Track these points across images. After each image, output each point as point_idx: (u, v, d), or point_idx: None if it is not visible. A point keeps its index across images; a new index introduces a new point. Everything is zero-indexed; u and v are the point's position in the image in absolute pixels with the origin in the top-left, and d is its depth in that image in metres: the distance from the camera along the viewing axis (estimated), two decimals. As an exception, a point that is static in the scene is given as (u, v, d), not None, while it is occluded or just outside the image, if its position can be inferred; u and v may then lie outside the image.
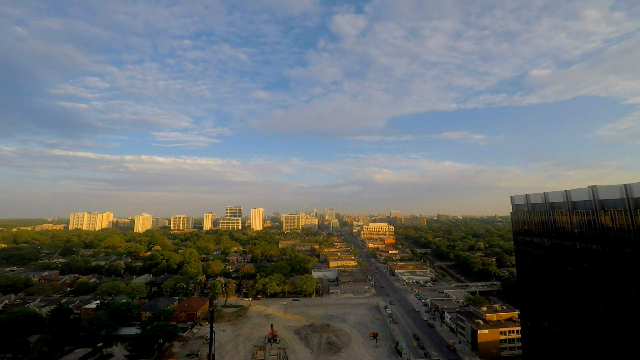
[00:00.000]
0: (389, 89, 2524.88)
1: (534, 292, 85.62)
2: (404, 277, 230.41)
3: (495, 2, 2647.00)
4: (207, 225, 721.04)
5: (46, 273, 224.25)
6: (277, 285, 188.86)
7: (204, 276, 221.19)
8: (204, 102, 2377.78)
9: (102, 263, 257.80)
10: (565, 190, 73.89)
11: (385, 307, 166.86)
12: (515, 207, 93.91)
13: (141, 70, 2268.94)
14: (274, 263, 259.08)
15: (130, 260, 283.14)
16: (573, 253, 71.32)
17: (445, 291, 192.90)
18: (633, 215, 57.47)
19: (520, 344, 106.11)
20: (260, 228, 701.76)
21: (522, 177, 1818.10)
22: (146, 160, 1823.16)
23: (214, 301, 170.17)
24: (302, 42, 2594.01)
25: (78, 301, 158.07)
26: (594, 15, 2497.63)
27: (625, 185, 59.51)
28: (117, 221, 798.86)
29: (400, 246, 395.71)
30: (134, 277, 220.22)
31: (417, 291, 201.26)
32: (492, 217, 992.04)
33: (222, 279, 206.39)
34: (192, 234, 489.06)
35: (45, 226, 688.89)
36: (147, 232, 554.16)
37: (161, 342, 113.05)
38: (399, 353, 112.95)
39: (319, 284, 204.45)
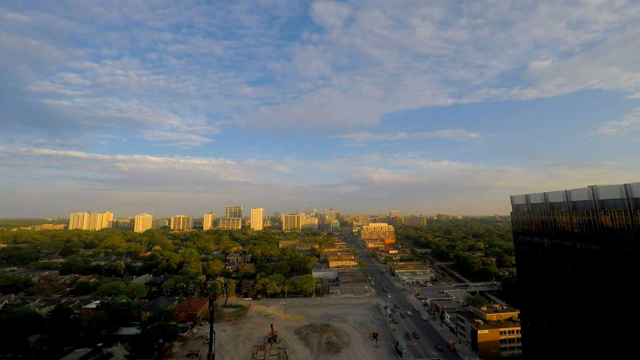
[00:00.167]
0: (380, 84, 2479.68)
1: (534, 292, 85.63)
2: (404, 277, 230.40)
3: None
4: (207, 225, 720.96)
5: (46, 273, 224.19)
6: (277, 285, 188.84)
7: (204, 276, 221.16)
8: (190, 98, 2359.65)
9: (102, 263, 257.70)
10: (565, 190, 73.91)
11: (385, 307, 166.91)
12: (515, 207, 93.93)
13: (121, 65, 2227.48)
14: (274, 263, 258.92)
15: (130, 260, 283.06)
16: (573, 253, 71.32)
17: (445, 291, 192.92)
18: (633, 215, 57.49)
19: (520, 344, 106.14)
20: (260, 228, 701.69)
21: (522, 176, 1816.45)
22: (139, 160, 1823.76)
23: (214, 301, 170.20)
24: (286, 35, 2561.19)
25: (78, 301, 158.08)
26: (595, 1, 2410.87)
27: (625, 185, 59.53)
28: (117, 221, 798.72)
29: (400, 246, 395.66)
30: (134, 277, 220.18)
31: (417, 291, 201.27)
32: (492, 217, 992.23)
33: (222, 279, 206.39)
34: (192, 234, 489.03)
35: (45, 226, 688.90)
36: (147, 232, 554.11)
37: (161, 342, 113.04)
38: (399, 353, 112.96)
39: (319, 284, 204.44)
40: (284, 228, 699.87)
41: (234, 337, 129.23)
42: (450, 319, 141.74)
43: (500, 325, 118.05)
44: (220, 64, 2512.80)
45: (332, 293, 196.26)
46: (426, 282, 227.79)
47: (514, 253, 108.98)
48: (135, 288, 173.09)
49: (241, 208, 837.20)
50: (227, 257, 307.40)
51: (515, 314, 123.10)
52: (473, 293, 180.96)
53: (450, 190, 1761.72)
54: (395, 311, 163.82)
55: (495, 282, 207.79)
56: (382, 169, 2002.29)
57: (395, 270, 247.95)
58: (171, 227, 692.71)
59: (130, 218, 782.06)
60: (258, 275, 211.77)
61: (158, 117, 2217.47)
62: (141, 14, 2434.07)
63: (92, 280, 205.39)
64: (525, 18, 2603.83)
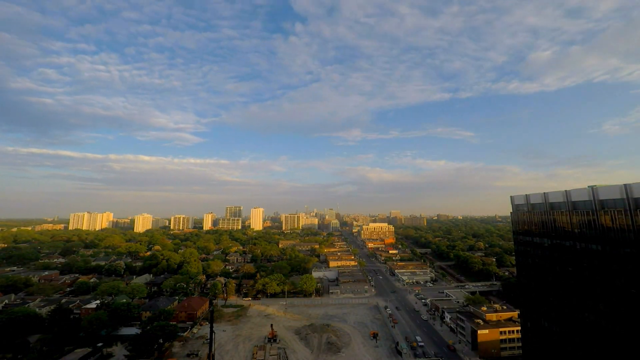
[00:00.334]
0: (371, 78, 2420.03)
1: (534, 292, 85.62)
2: (404, 277, 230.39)
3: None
4: (207, 225, 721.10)
5: (46, 273, 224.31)
6: (277, 285, 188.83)
7: (204, 276, 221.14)
8: (176, 94, 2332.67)
9: (102, 263, 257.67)
10: (565, 190, 73.93)
11: (385, 307, 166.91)
12: (515, 207, 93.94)
13: (100, 60, 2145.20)
14: (274, 263, 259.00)
15: (130, 260, 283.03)
16: (573, 253, 71.32)
17: (445, 291, 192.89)
18: (633, 215, 57.47)
19: (520, 344, 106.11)
20: (260, 228, 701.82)
21: (521, 176, 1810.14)
22: (132, 160, 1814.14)
23: (214, 301, 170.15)
24: (269, 27, 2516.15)
25: (78, 301, 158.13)
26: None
27: (625, 185, 59.53)
28: (117, 221, 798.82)
29: (400, 246, 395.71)
30: (134, 277, 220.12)
31: (417, 291, 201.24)
32: (492, 217, 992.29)
33: (222, 279, 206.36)
34: (192, 234, 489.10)
35: (45, 226, 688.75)
36: (147, 232, 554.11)
37: (161, 342, 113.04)
38: (399, 353, 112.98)
39: (319, 284, 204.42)
40: (284, 228, 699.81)
41: (234, 337, 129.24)
42: (450, 319, 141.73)
43: (500, 325, 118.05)
44: (203, 58, 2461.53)
45: (332, 293, 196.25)
46: (426, 282, 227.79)
47: (514, 253, 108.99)
48: (135, 288, 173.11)
49: (241, 208, 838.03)
50: (227, 257, 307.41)
51: (515, 314, 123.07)
52: (473, 293, 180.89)
53: (449, 189, 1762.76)
54: (395, 311, 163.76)
55: (495, 282, 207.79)
56: (378, 169, 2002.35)
57: (395, 270, 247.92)
58: (171, 227, 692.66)
59: (130, 218, 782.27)
60: (258, 275, 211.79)
61: (145, 116, 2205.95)
62: (114, 4, 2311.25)
63: (92, 280, 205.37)
64: (520, 5, 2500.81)
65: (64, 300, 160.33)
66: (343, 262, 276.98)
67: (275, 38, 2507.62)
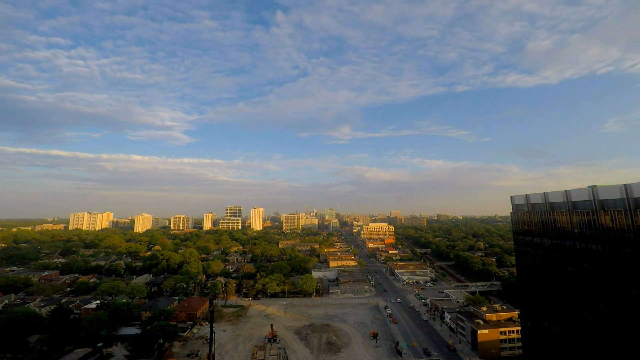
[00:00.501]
0: (360, 71, 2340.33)
1: (534, 292, 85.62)
2: (404, 277, 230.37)
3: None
4: (207, 225, 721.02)
5: (46, 273, 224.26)
6: (277, 285, 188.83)
7: (204, 276, 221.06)
8: (160, 90, 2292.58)
9: (102, 263, 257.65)
10: (565, 190, 73.93)
11: (385, 307, 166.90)
12: (515, 207, 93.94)
13: (78, 55, 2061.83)
14: (274, 263, 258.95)
15: (130, 260, 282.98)
16: (573, 253, 71.32)
17: (445, 291, 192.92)
18: (633, 215, 57.47)
19: (520, 344, 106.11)
20: (260, 228, 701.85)
21: (521, 176, 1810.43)
22: (125, 159, 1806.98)
23: (214, 301, 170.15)
24: (251, 17, 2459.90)
25: (78, 301, 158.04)
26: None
27: (625, 185, 59.53)
28: (117, 221, 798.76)
29: (400, 246, 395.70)
30: (134, 277, 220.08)
31: (417, 291, 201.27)
32: (492, 217, 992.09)
33: (222, 279, 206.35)
34: (192, 234, 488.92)
35: (45, 226, 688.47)
36: (147, 232, 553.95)
37: (161, 342, 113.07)
38: (399, 353, 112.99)
39: (319, 284, 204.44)
40: (284, 228, 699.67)
41: (234, 337, 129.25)
42: (450, 319, 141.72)
43: (500, 325, 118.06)
44: (185, 52, 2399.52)
45: (332, 293, 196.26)
46: (426, 282, 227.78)
47: (514, 253, 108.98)
48: (135, 288, 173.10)
49: (241, 208, 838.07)
50: (227, 257, 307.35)
51: (515, 314, 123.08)
52: (473, 293, 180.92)
53: (448, 189, 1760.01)
54: (395, 311, 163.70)
55: (495, 282, 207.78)
56: (375, 168, 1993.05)
57: (395, 270, 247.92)
58: (171, 227, 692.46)
59: (130, 218, 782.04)
60: (258, 275, 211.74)
61: (131, 113, 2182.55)
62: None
63: (92, 280, 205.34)
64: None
65: (64, 300, 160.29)
66: (343, 262, 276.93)
67: (257, 29, 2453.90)
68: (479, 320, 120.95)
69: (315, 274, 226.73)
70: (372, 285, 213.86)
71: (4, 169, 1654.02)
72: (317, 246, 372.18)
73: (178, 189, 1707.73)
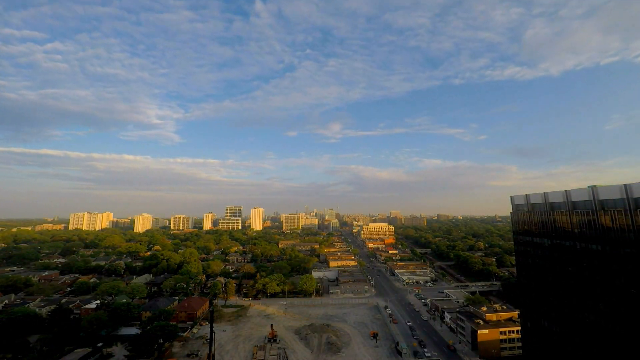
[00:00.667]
0: (348, 64, 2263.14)
1: (534, 292, 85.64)
2: (404, 277, 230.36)
3: None
4: (207, 225, 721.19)
5: (46, 273, 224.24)
6: (277, 285, 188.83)
7: (204, 276, 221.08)
8: (143, 85, 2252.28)
9: (102, 263, 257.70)
10: (565, 191, 73.95)
11: (385, 307, 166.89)
12: (515, 207, 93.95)
13: (55, 50, 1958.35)
14: (274, 263, 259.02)
15: (130, 260, 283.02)
16: (573, 253, 71.33)
17: (445, 291, 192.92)
18: (633, 215, 57.48)
19: (520, 344, 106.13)
20: (260, 228, 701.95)
21: (519, 175, 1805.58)
22: (117, 159, 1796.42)
23: (214, 301, 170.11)
24: (229, 7, 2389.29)
25: (78, 301, 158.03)
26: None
27: (625, 185, 59.55)
28: (117, 221, 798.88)
29: (400, 246, 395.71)
30: (134, 277, 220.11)
31: (417, 291, 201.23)
32: (492, 217, 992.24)
33: (222, 279, 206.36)
34: (192, 234, 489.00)
35: (45, 226, 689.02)
36: (147, 232, 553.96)
37: (161, 342, 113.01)
38: (399, 353, 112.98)
39: (319, 284, 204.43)
40: (284, 228, 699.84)
41: (234, 337, 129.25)
42: (450, 319, 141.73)
43: (500, 325, 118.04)
44: (166, 45, 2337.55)
45: (332, 293, 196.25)
46: (426, 282, 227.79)
47: (514, 253, 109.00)
48: (135, 288, 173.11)
49: (241, 208, 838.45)
50: (227, 257, 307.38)
51: (515, 314, 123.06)
52: (473, 293, 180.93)
53: (446, 189, 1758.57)
54: (395, 311, 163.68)
55: (495, 282, 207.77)
56: (371, 167, 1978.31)
57: (395, 270, 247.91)
58: (171, 227, 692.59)
59: (130, 218, 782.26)
60: (258, 275, 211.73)
61: (117, 110, 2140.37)
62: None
63: (92, 280, 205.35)
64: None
65: (64, 300, 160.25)
66: (343, 262, 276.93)
67: (237, 19, 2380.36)
68: (479, 320, 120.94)
69: (315, 274, 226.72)
70: (372, 285, 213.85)
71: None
72: (317, 246, 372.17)
73: (174, 188, 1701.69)
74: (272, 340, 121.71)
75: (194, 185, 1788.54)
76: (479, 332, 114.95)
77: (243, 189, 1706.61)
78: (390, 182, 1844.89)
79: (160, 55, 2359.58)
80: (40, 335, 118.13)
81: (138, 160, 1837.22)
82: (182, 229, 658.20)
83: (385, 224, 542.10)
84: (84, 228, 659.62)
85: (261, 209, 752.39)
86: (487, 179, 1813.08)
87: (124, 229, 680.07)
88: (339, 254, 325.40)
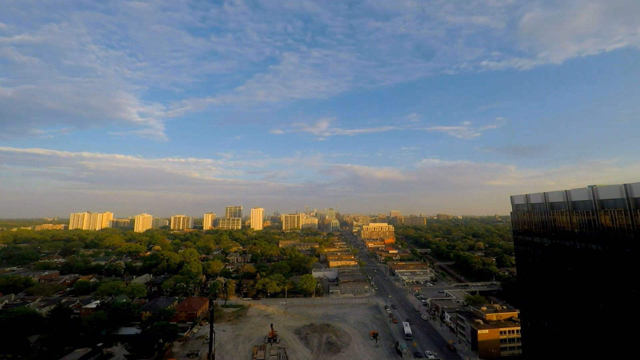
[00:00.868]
0: (333, 55, 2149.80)
1: (534, 292, 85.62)
2: (404, 277, 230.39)
3: None
4: (207, 225, 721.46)
5: (46, 273, 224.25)
6: (277, 285, 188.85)
7: (204, 276, 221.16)
8: (122, 79, 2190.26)
9: (102, 263, 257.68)
10: (565, 190, 73.92)
11: (385, 307, 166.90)
12: (515, 207, 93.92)
13: (23, 42, 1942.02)
14: (274, 263, 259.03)
15: (130, 260, 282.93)
16: (573, 253, 71.31)
17: (445, 291, 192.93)
18: (633, 215, 57.46)
19: (520, 344, 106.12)
20: (260, 228, 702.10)
21: (517, 174, 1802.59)
22: (107, 158, 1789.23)
23: (214, 301, 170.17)
24: None
25: (78, 301, 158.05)
26: None
27: (625, 185, 59.52)
28: (117, 221, 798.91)
29: (400, 246, 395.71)
30: (134, 277, 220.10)
31: (417, 291, 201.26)
32: (492, 217, 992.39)
33: (222, 279, 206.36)
34: (192, 234, 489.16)
35: (45, 226, 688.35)
36: (147, 232, 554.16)
37: (161, 342, 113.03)
38: (399, 353, 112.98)
39: (319, 284, 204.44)
40: (284, 228, 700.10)
41: (234, 337, 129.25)
42: (450, 318, 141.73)
43: (500, 325, 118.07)
44: (139, 38, 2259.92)
45: (332, 293, 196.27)
46: (426, 282, 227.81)
47: (514, 253, 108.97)
48: (135, 288, 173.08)
49: (241, 208, 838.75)
50: (227, 257, 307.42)
51: (515, 314, 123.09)
52: (473, 293, 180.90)
53: (445, 189, 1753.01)
54: (395, 311, 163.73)
55: (495, 282, 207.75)
56: (367, 166, 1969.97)
57: (395, 270, 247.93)
58: (171, 227, 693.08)
59: (130, 218, 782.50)
60: (258, 275, 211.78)
61: (97, 109, 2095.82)
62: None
63: (92, 280, 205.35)
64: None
65: (64, 300, 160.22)
66: (343, 262, 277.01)
67: (211, 8, 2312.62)
68: (479, 320, 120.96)
69: (315, 274, 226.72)
70: (372, 285, 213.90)
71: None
72: (317, 246, 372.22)
73: (170, 188, 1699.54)
74: (272, 340, 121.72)
75: (188, 185, 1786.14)
76: (479, 332, 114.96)
77: (239, 189, 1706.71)
78: (388, 181, 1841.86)
79: (135, 47, 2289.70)
80: (40, 335, 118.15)
81: (130, 160, 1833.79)
82: (182, 229, 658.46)
83: (385, 224, 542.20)
84: (84, 228, 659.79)
85: (261, 209, 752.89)
86: (486, 178, 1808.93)
87: (124, 229, 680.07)
88: (339, 254, 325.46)
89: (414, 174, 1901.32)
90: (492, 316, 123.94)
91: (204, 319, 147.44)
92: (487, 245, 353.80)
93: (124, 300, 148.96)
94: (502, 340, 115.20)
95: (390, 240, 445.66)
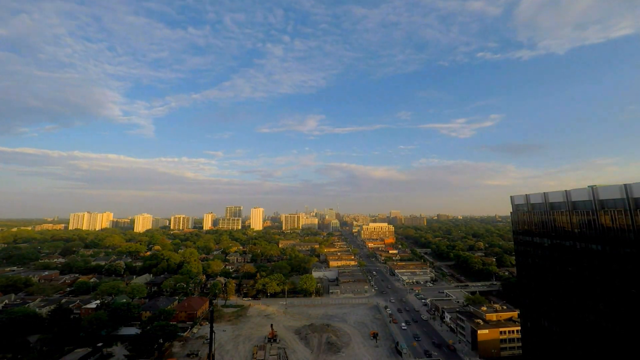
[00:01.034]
0: (320, 47, 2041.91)
1: (534, 292, 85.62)
2: (404, 277, 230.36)
3: None
4: (207, 225, 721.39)
5: (46, 273, 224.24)
6: (277, 285, 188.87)
7: (204, 276, 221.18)
8: (106, 77, 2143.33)
9: (102, 263, 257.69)
10: (565, 190, 73.91)
11: (385, 307, 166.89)
12: (515, 207, 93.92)
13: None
14: (274, 263, 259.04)
15: (130, 260, 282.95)
16: (573, 253, 71.30)
17: (445, 291, 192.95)
18: (633, 215, 57.45)
19: (520, 344, 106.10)
20: (260, 228, 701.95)
21: (516, 174, 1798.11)
22: (101, 158, 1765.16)
23: (214, 301, 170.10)
24: None
25: (78, 301, 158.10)
26: None
27: (625, 185, 59.51)
28: (117, 221, 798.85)
29: (400, 246, 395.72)
30: (134, 277, 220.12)
31: (417, 291, 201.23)
32: (492, 217, 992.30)
33: (222, 279, 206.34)
34: (192, 234, 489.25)
35: (45, 226, 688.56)
36: (147, 232, 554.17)
37: (161, 342, 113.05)
38: (399, 353, 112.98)
39: (319, 284, 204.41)
40: (284, 228, 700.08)
41: (234, 337, 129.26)
42: (450, 318, 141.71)
43: (500, 325, 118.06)
44: (115, 30, 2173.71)
45: (332, 293, 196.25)
46: (426, 282, 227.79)
47: (514, 253, 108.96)
48: (135, 288, 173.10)
49: (241, 208, 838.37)
50: (227, 257, 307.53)
51: (515, 314, 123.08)
52: (473, 293, 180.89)
53: (444, 188, 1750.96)
54: (395, 311, 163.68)
55: (495, 282, 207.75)
56: (362, 166, 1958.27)
57: (395, 270, 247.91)
58: (171, 227, 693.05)
59: (130, 218, 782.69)
60: (258, 275, 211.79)
61: (80, 106, 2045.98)
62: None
63: (92, 280, 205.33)
64: None
65: (64, 300, 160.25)
66: (343, 262, 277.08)
67: None
68: (479, 320, 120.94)
69: (315, 274, 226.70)
70: (372, 285, 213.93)
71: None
72: (317, 246, 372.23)
73: (166, 188, 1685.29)
74: (272, 340, 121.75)
75: (182, 184, 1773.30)
76: (479, 332, 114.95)
77: (235, 189, 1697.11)
78: (387, 180, 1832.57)
79: (113, 40, 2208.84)
80: (40, 335, 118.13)
81: (122, 159, 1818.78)
82: (182, 229, 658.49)
83: (385, 224, 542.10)
84: (84, 228, 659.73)
85: (261, 209, 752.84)
86: (484, 178, 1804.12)
87: (124, 229, 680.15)
88: (339, 254, 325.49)
89: (413, 173, 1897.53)
90: (492, 316, 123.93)
91: (204, 319, 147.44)
92: (487, 245, 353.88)
93: (124, 300, 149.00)
94: (502, 340, 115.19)
95: (390, 240, 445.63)
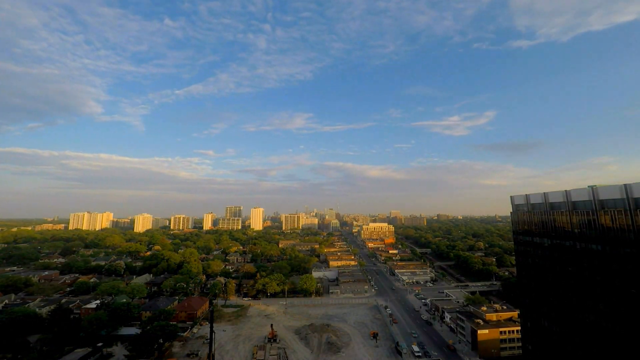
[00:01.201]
0: (305, 38, 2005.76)
1: (534, 292, 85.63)
2: (404, 277, 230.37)
3: None
4: (207, 225, 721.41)
5: (46, 273, 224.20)
6: (277, 285, 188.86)
7: (204, 276, 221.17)
8: (87, 72, 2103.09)
9: (102, 263, 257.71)
10: (565, 190, 73.93)
11: (386, 307, 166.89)
12: (515, 207, 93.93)
13: None
14: (274, 263, 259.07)
15: (130, 260, 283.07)
16: (573, 253, 71.32)
17: (445, 291, 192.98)
18: (633, 215, 57.47)
19: (520, 344, 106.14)
20: (260, 228, 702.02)
21: (519, 174, 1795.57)
22: (93, 157, 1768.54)
23: (214, 301, 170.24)
24: None
25: (78, 301, 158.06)
26: None
27: (625, 185, 59.53)
28: (117, 221, 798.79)
29: (400, 246, 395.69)
30: (134, 277, 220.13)
31: (417, 291, 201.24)
32: (492, 217, 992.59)
33: (222, 279, 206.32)
34: (192, 234, 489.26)
35: (45, 226, 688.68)
36: (147, 232, 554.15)
37: (161, 342, 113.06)
38: (399, 353, 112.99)
39: (319, 284, 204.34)
40: (284, 228, 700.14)
41: (234, 337, 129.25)
42: (450, 318, 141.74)
43: (500, 325, 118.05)
44: (90, 21, 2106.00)
45: (332, 293, 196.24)
46: (426, 282, 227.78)
47: (514, 253, 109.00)
48: (135, 288, 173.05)
49: (241, 208, 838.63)
50: (227, 257, 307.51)
51: (515, 314, 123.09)
52: (473, 293, 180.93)
53: (444, 188, 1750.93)
54: (395, 311, 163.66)
55: (495, 282, 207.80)
56: (359, 165, 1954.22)
57: (395, 270, 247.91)
58: (171, 227, 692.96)
59: (130, 218, 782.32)
60: (258, 275, 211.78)
61: (62, 104, 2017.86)
62: None
63: (92, 280, 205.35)
64: None
65: (64, 300, 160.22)
66: (343, 262, 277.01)
67: None
68: (479, 320, 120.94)
69: (315, 274, 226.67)
70: (372, 285, 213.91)
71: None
72: (317, 246, 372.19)
73: (161, 187, 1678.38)
74: (272, 340, 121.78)
75: (178, 184, 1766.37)
76: (478, 332, 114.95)
77: (232, 189, 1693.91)
78: (384, 180, 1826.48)
79: (89, 33, 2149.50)
80: (40, 335, 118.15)
81: (114, 159, 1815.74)
82: (182, 229, 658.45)
83: (385, 224, 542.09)
84: (84, 228, 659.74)
85: (261, 209, 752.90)
86: (483, 177, 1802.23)
87: (124, 228, 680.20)
88: (339, 254, 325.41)
89: (410, 172, 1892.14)
90: (492, 316, 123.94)
91: (204, 319, 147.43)
92: (487, 245, 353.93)
93: (124, 300, 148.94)
94: (502, 340, 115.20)
95: (390, 240, 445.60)
